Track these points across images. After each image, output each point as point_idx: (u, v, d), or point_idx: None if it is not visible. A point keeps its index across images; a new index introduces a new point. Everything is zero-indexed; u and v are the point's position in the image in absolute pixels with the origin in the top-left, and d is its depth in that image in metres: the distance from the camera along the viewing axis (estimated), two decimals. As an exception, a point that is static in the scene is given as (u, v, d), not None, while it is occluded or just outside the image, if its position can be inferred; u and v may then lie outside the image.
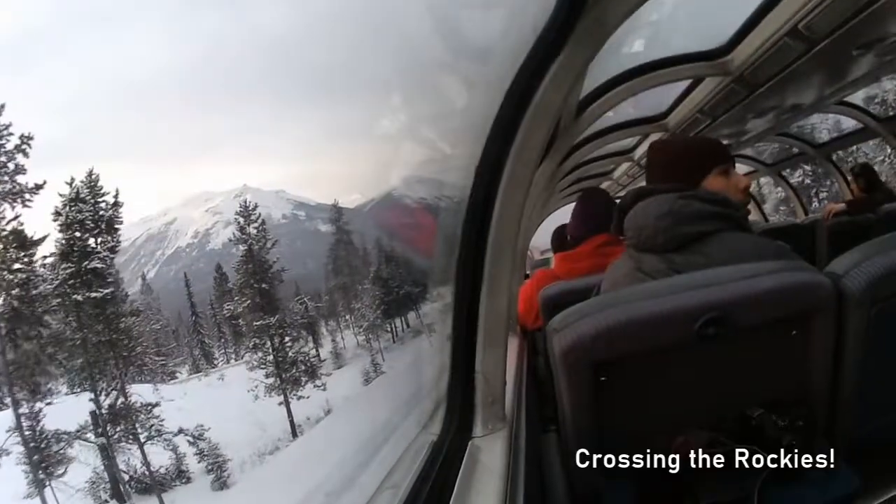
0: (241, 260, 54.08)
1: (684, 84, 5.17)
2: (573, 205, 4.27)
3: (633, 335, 1.90)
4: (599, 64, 3.72)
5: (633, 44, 4.04)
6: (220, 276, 76.65)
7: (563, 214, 6.37)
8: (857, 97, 7.75)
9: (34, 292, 36.84)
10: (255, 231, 53.20)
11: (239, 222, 53.76)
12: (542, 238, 7.60)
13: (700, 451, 1.86)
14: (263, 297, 53.86)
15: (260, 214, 53.05)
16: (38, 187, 36.50)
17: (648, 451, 1.93)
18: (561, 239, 5.68)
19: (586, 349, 1.90)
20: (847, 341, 1.97)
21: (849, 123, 8.39)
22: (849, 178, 8.43)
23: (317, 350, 68.34)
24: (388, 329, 71.62)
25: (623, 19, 2.08)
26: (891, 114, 8.52)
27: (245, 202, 54.90)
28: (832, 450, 1.93)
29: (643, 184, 2.54)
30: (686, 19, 3.99)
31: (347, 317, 76.97)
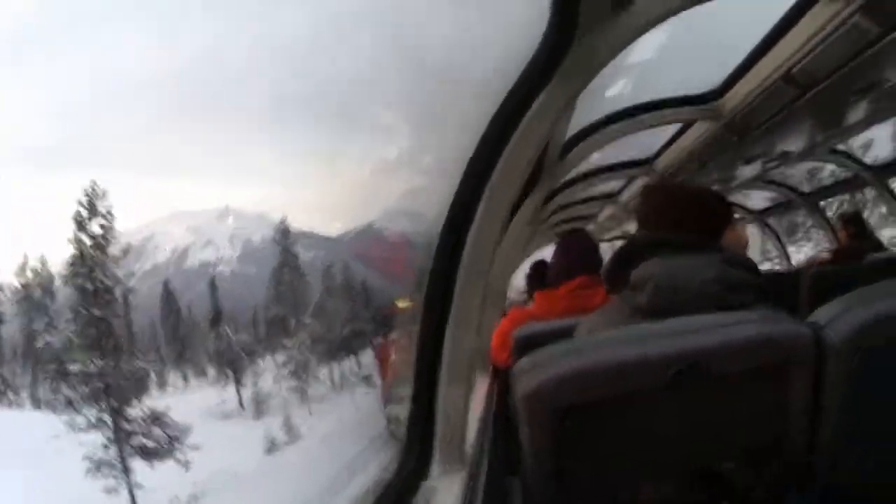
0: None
1: (673, 128, 5.15)
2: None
3: (601, 382, 1.82)
4: (588, 103, 3.65)
5: (622, 85, 4.01)
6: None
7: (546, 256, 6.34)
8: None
9: None
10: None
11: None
12: (521, 279, 7.58)
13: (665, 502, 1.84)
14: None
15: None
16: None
17: (612, 500, 1.93)
18: (538, 276, 5.69)
19: (550, 394, 1.82)
20: (826, 393, 1.91)
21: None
22: (836, 227, 8.45)
23: (238, 395, 63.73)
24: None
25: (614, 54, 2.04)
26: (883, 162, 8.48)
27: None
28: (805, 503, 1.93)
29: (630, 228, 2.45)
30: (677, 62, 3.93)
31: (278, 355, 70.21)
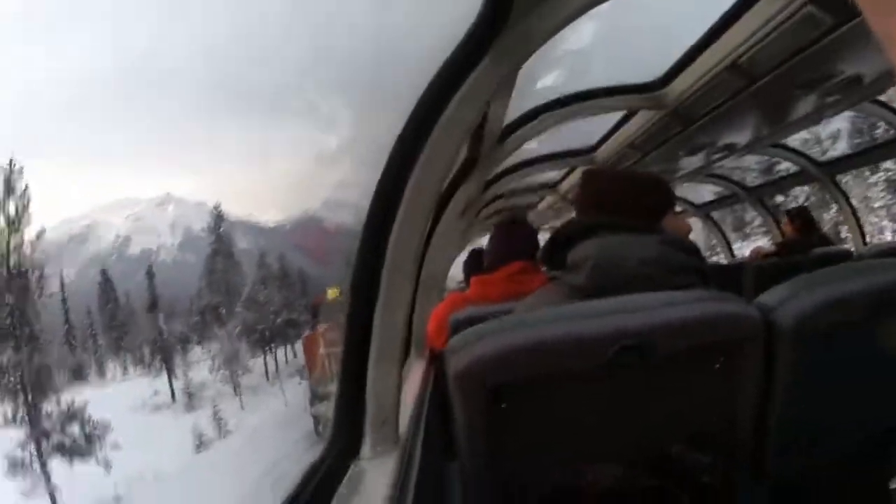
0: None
1: (615, 117, 5.16)
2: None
3: (536, 359, 1.78)
4: (527, 89, 3.65)
5: (562, 71, 3.98)
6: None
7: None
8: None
9: None
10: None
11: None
12: (459, 270, 7.61)
13: (611, 486, 1.84)
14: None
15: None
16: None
17: (552, 483, 1.90)
18: (475, 262, 5.82)
19: (482, 373, 1.79)
20: (776, 375, 1.91)
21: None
22: (781, 220, 8.55)
23: (170, 386, 62.24)
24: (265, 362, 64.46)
25: (549, 35, 1.99)
26: (831, 157, 8.59)
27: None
28: (757, 487, 1.97)
29: (569, 217, 2.42)
30: (620, 49, 3.91)
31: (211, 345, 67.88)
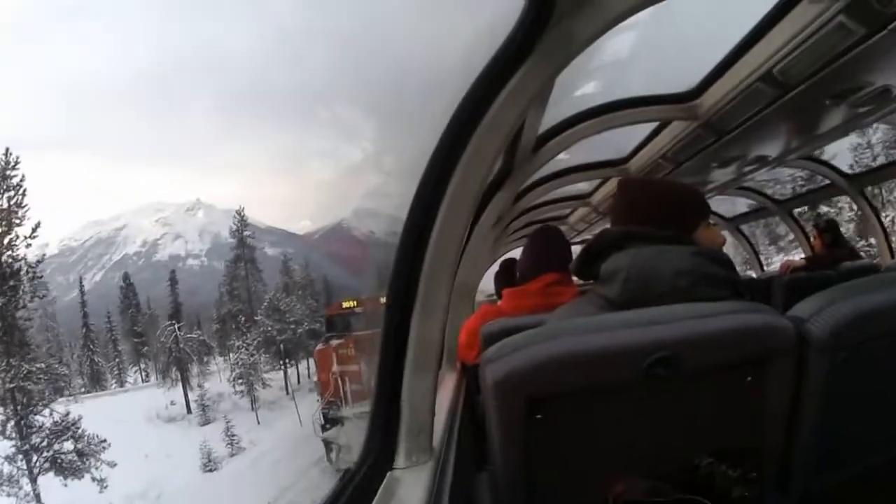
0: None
1: (648, 128, 5.15)
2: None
3: (572, 371, 1.78)
4: (562, 100, 3.65)
5: (597, 81, 3.98)
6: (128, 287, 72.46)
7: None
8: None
9: None
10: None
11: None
12: (490, 283, 7.57)
13: (641, 499, 1.80)
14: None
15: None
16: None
17: (584, 495, 1.87)
18: (508, 273, 5.77)
19: (520, 383, 1.79)
20: (807, 389, 1.90)
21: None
22: (811, 234, 8.52)
23: (185, 397, 61.30)
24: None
25: (590, 40, 1.97)
26: (858, 170, 8.51)
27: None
28: (785, 502, 1.95)
29: (602, 228, 2.41)
30: (655, 60, 3.92)
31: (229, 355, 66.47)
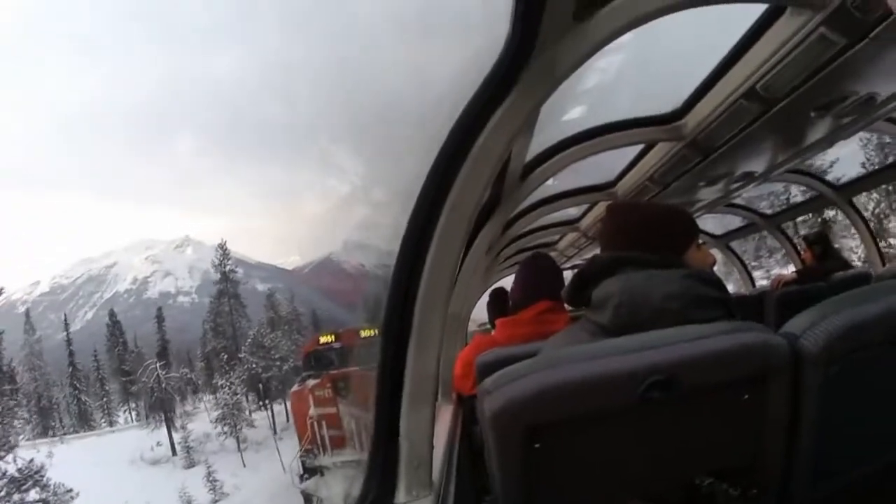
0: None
1: (634, 151, 5.21)
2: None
3: (569, 398, 1.80)
4: (547, 127, 3.68)
5: (582, 107, 4.02)
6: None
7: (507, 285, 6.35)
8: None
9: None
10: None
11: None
12: (481, 312, 7.57)
13: None
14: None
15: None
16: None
17: None
18: (500, 302, 5.77)
19: (518, 412, 1.81)
20: (803, 403, 1.92)
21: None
22: (800, 247, 8.57)
23: (170, 438, 60.27)
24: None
25: (573, 67, 2.03)
26: (846, 180, 8.53)
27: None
28: None
29: (592, 253, 2.42)
30: (638, 82, 3.97)
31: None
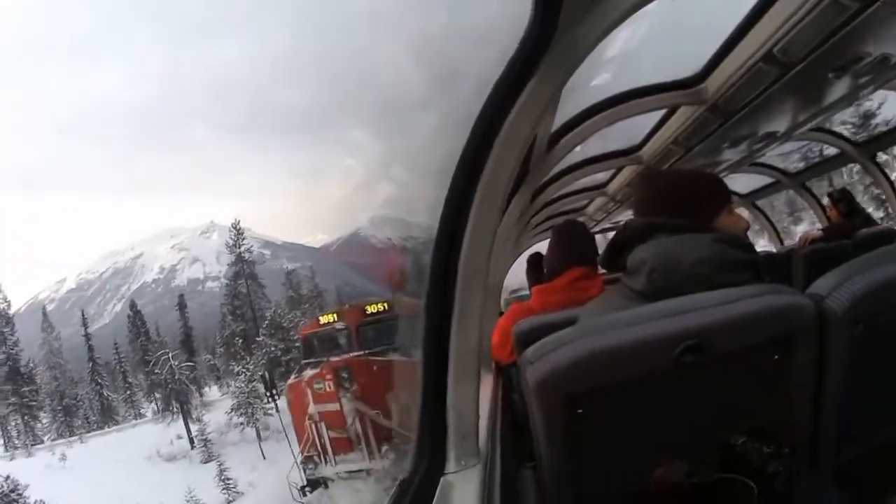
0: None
1: (657, 115, 5.22)
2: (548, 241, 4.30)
3: (608, 365, 1.88)
4: (571, 96, 3.70)
5: (604, 75, 4.04)
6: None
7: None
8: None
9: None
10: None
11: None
12: (513, 279, 7.55)
13: (681, 481, 1.88)
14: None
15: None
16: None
17: (627, 483, 1.96)
18: (536, 268, 5.79)
19: (560, 381, 1.89)
20: (830, 363, 1.98)
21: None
22: (826, 204, 8.56)
23: (187, 430, 57.88)
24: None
25: (596, 42, 2.04)
26: (866, 137, 8.39)
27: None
28: (819, 473, 2.02)
29: (623, 218, 2.48)
30: (659, 48, 3.97)
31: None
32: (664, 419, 2.03)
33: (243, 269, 67.57)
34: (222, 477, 47.10)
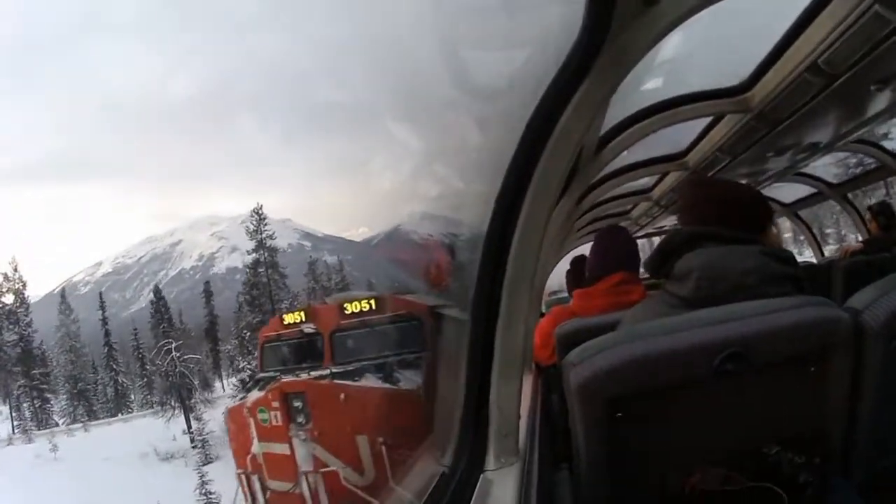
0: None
1: (703, 122, 5.26)
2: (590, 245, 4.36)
3: (649, 371, 1.94)
4: (619, 101, 3.72)
5: (652, 80, 4.10)
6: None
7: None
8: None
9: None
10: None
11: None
12: (552, 280, 7.59)
13: (715, 488, 1.94)
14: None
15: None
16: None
17: (663, 487, 2.02)
18: (578, 272, 5.83)
19: (602, 384, 1.95)
20: (865, 376, 2.03)
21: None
22: (866, 217, 8.54)
23: (189, 428, 55.73)
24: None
25: (647, 49, 2.11)
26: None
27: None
28: (849, 486, 2.04)
29: (667, 223, 2.52)
30: (706, 56, 4.01)
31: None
32: (700, 426, 2.09)
33: (264, 256, 65.82)
34: (203, 491, 43.53)
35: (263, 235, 65.95)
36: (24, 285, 67.95)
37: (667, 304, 2.31)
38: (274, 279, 65.27)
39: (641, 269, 3.97)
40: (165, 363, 60.09)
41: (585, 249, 4.66)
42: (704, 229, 2.34)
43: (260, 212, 67.21)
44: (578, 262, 6.10)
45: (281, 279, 66.38)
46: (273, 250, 66.78)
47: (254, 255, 66.16)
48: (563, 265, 6.73)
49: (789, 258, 2.28)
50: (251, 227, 66.41)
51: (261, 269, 65.43)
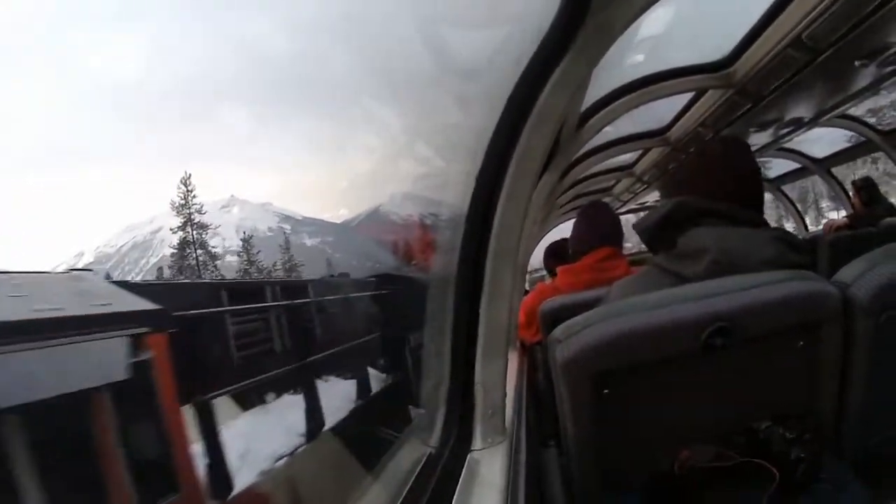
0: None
1: (686, 98, 5.20)
2: (573, 222, 4.32)
3: (636, 346, 1.88)
4: (601, 76, 3.70)
5: (634, 56, 4.04)
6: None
7: (563, 232, 6.33)
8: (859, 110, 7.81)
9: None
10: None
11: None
12: (539, 257, 7.58)
13: (705, 465, 1.87)
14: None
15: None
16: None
17: (652, 464, 1.95)
18: (556, 255, 5.80)
19: (588, 360, 1.89)
20: (855, 351, 1.97)
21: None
22: (850, 191, 8.51)
23: None
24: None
25: (627, 24, 2.03)
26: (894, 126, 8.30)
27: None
28: (841, 462, 1.98)
29: (649, 199, 2.43)
30: (688, 31, 3.97)
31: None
32: (690, 401, 2.04)
33: (192, 234, 56.32)
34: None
35: (192, 210, 56.67)
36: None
37: (665, 283, 2.18)
38: (203, 262, 56.62)
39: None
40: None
41: (564, 230, 4.57)
42: (713, 205, 2.21)
43: (188, 181, 57.64)
44: (555, 247, 6.06)
45: (212, 260, 57.61)
46: (203, 226, 57.20)
47: (179, 233, 47.30)
48: (549, 241, 6.68)
49: (802, 247, 2.19)
50: (179, 199, 54.02)
51: (188, 250, 54.15)
